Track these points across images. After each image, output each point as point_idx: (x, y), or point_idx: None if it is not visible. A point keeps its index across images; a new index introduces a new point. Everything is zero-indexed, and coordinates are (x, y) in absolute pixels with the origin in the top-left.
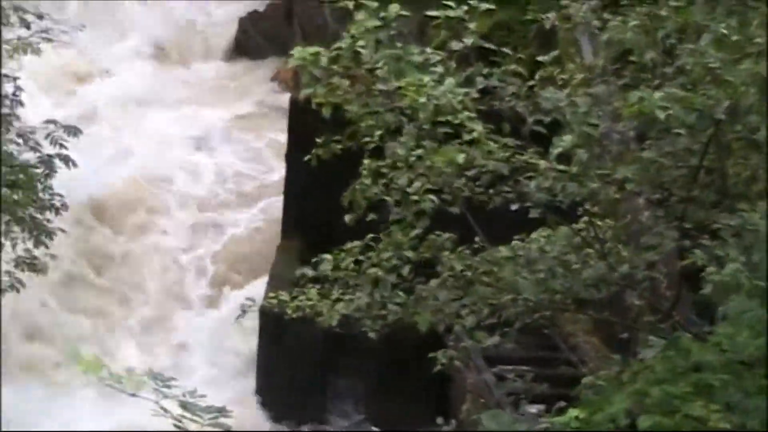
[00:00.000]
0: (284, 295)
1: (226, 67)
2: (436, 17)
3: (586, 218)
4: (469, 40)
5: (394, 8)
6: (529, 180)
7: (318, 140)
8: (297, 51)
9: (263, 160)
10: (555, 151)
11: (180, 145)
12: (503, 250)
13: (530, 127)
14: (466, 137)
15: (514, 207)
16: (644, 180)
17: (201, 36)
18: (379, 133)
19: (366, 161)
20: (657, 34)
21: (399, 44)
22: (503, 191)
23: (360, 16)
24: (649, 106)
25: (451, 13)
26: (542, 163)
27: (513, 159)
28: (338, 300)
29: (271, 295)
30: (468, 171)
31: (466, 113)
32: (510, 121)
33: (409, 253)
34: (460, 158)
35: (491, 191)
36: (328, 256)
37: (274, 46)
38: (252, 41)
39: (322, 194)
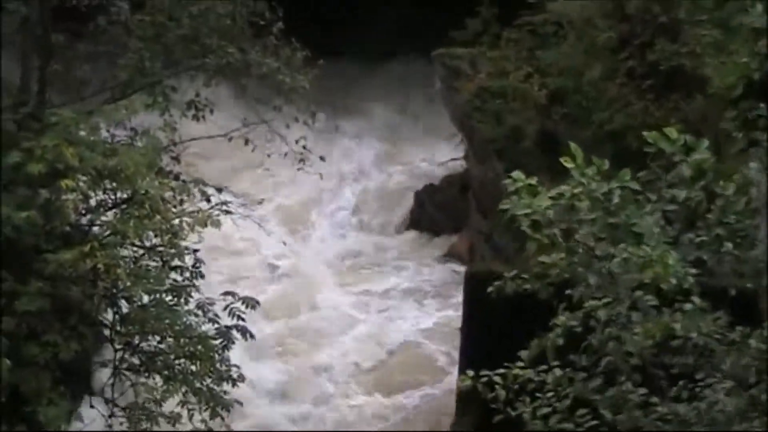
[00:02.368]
0: None
1: (400, 240)
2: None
3: None
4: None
5: (624, 175)
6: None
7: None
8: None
9: None
10: None
11: (348, 320)
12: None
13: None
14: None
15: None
16: None
17: (376, 208)
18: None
19: (561, 318)
20: None
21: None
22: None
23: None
24: None
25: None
26: (752, 343)
27: (718, 335)
28: None
29: None
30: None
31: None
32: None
33: (608, 413)
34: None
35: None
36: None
37: (449, 219)
38: (426, 214)
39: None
